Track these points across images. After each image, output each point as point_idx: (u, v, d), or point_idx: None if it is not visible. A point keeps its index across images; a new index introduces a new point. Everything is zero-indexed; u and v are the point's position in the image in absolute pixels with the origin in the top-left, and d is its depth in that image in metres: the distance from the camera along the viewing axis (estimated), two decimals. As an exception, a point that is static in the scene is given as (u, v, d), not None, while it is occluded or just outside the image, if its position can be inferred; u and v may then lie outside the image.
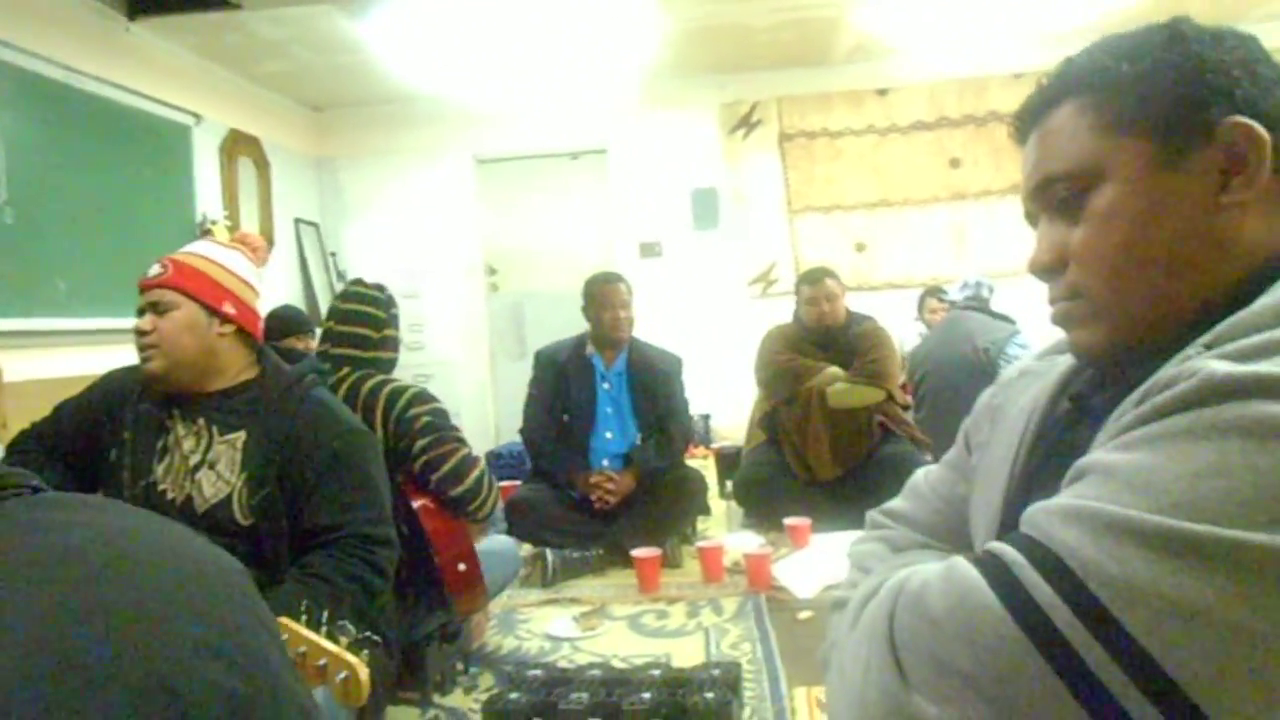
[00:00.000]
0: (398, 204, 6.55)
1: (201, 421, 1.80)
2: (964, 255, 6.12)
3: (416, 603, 2.29)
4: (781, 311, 4.44)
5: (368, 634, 1.26)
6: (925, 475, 0.99)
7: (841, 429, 3.89)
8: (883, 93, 6.29)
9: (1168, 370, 0.59)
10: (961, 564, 0.61)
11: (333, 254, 6.54)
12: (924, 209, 6.25)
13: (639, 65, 5.64)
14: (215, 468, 1.76)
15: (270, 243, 5.78)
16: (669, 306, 6.22)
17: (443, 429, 2.42)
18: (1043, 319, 0.82)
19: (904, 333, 5.52)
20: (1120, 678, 0.50)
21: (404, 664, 2.21)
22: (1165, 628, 0.49)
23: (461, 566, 2.33)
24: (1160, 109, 0.68)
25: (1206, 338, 0.61)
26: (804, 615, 2.78)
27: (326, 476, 1.76)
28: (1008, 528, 0.69)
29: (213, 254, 1.86)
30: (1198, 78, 0.68)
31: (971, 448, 0.92)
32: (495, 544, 2.82)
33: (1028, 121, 0.78)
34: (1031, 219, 0.79)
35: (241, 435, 1.78)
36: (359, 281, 2.63)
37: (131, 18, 4.53)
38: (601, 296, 3.73)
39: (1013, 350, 3.82)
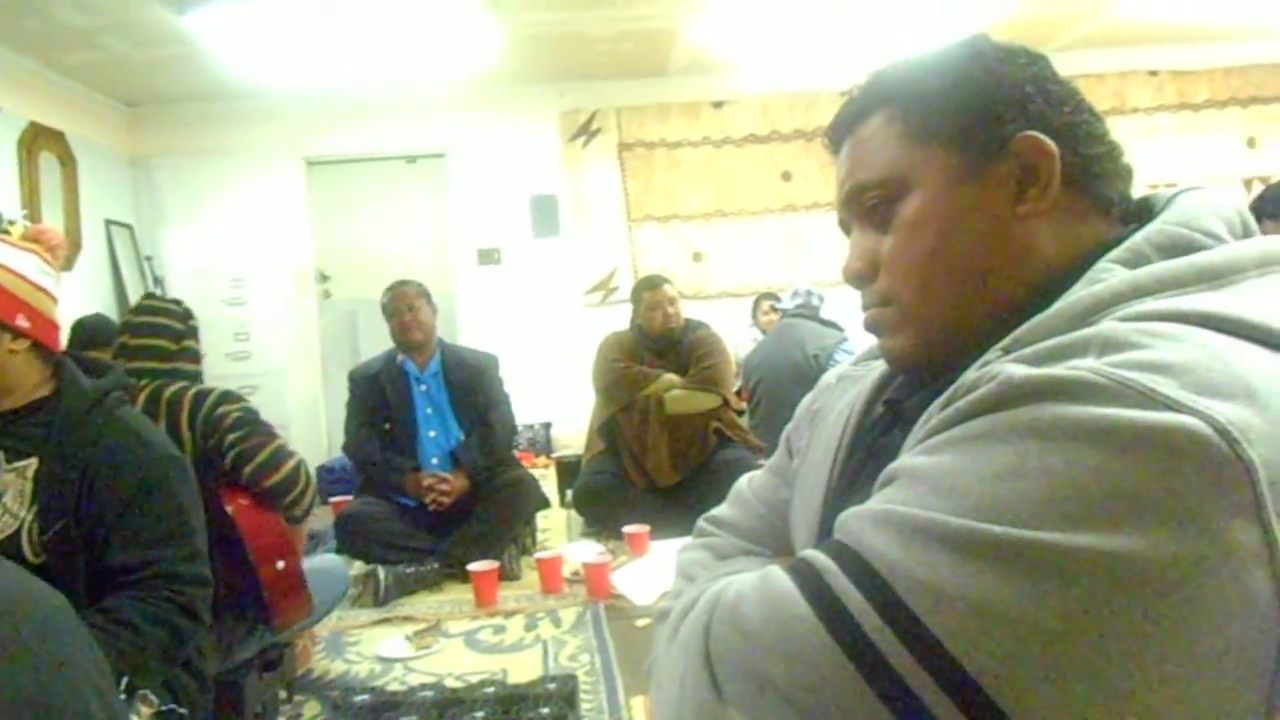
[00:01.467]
0: (222, 207, 6.19)
1: None
2: (796, 265, 6.30)
3: (235, 625, 2.15)
4: (621, 320, 4.45)
5: (171, 706, 1.16)
6: (749, 481, 0.99)
7: (679, 435, 3.93)
8: (718, 105, 6.42)
9: (970, 374, 0.60)
10: (776, 573, 0.61)
11: (149, 258, 6.13)
12: (758, 220, 6.41)
13: (478, 69, 5.55)
14: (2, 499, 1.57)
15: (77, 245, 5.38)
16: (508, 313, 6.17)
17: (254, 423, 2.29)
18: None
19: (739, 339, 5.66)
20: (928, 683, 0.50)
21: (220, 696, 2.06)
22: (967, 630, 0.49)
23: (280, 564, 2.19)
24: (960, 122, 0.71)
25: (1005, 342, 0.62)
26: (642, 623, 2.78)
27: (132, 510, 1.59)
28: (826, 532, 0.69)
29: (2, 257, 1.64)
30: (994, 93, 0.70)
31: (793, 452, 0.93)
32: (322, 563, 2.69)
33: (840, 131, 0.79)
34: (845, 227, 0.80)
35: (33, 463, 1.59)
36: (151, 295, 2.51)
37: (-90, -3, 4.13)
38: (389, 304, 3.79)
39: (841, 356, 3.97)
